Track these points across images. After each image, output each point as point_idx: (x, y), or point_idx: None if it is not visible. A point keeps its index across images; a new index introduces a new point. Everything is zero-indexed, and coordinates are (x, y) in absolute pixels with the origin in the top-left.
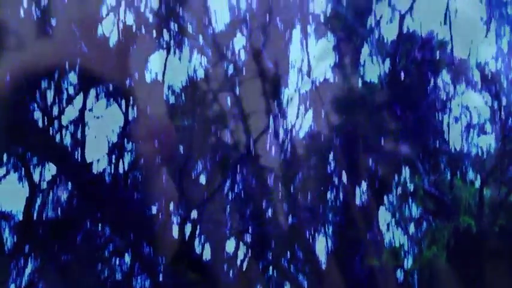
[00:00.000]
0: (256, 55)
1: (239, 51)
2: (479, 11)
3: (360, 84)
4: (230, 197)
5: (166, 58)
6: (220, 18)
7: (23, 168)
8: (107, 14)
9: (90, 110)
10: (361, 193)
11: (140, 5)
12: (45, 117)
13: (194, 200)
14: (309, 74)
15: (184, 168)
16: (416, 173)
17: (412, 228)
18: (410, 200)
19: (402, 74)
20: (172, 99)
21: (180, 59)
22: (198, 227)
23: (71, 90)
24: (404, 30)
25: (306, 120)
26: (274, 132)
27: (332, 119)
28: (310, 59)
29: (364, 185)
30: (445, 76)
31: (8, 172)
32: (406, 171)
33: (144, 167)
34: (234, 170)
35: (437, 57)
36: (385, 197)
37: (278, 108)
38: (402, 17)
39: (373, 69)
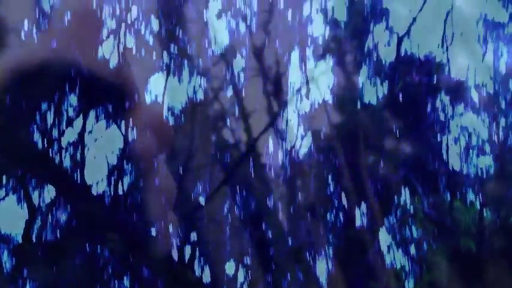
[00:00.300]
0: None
1: (238, 73)
2: (476, 32)
3: (358, 106)
4: (230, 219)
5: (166, 80)
6: (219, 41)
7: (22, 190)
8: (108, 37)
9: (90, 132)
10: (361, 214)
11: (140, 28)
12: (45, 139)
13: (194, 222)
14: (307, 96)
15: (183, 191)
16: (416, 194)
17: (413, 250)
18: (410, 222)
19: (400, 95)
20: (172, 121)
21: (179, 80)
22: (198, 249)
23: (71, 112)
24: (402, 53)
25: (305, 141)
26: (274, 154)
27: (331, 140)
28: (309, 81)
29: (363, 206)
30: (443, 97)
31: (7, 194)
32: (405, 193)
33: (143, 189)
34: (233, 191)
35: (436, 79)
36: (385, 219)
37: (277, 129)
38: (400, 40)
39: (372, 91)
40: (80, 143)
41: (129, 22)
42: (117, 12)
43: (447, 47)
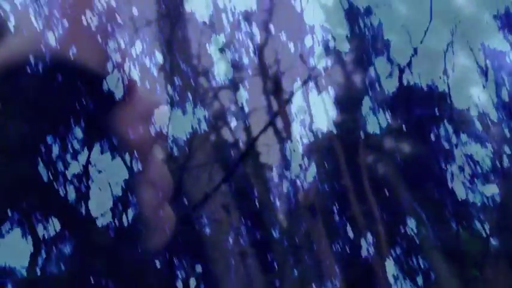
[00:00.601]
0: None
1: (242, 104)
2: (478, 61)
3: (362, 136)
4: (235, 250)
5: (171, 111)
6: (223, 73)
7: (27, 224)
8: (113, 70)
9: (95, 164)
10: (367, 245)
11: (145, 61)
12: (50, 172)
13: (199, 254)
14: (311, 127)
15: (188, 220)
16: (422, 224)
17: (420, 280)
18: (417, 252)
19: (404, 125)
20: (176, 152)
21: (183, 112)
22: (203, 282)
23: (76, 145)
24: (404, 83)
25: (310, 171)
26: (279, 184)
27: (335, 169)
28: (312, 112)
29: (369, 236)
30: (447, 127)
31: (11, 227)
32: (411, 223)
33: (148, 221)
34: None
35: (438, 109)
36: (391, 249)
37: (282, 158)
38: (401, 71)
39: (375, 121)
40: (84, 175)
41: (134, 56)
42: (122, 46)
43: (448, 77)
